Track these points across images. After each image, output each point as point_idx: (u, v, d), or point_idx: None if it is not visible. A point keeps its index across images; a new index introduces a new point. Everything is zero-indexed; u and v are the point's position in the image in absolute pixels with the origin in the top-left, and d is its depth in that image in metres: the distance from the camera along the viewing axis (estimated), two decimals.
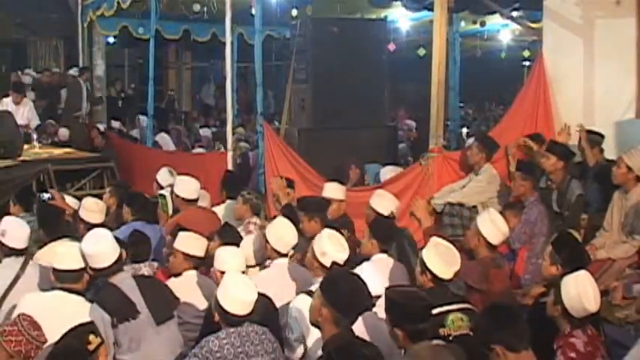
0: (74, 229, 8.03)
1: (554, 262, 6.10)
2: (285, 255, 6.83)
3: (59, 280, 5.93)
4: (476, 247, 6.85)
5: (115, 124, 18.90)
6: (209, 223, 7.95)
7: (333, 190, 8.72)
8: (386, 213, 7.84)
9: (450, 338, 5.51)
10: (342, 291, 4.97)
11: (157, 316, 5.98)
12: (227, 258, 6.37)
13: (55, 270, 5.96)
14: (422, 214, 7.61)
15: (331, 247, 6.21)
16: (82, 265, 5.92)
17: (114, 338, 5.81)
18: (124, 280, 6.06)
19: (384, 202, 8.04)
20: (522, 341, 4.73)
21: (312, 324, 5.16)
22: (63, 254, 5.96)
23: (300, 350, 5.85)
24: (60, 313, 5.45)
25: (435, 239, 6.14)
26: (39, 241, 7.67)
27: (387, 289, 5.27)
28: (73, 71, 17.59)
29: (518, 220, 8.23)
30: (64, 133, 15.07)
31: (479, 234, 6.80)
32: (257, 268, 7.06)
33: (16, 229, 6.91)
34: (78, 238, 7.77)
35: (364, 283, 5.15)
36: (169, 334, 6.07)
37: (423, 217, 7.56)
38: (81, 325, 4.86)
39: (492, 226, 6.82)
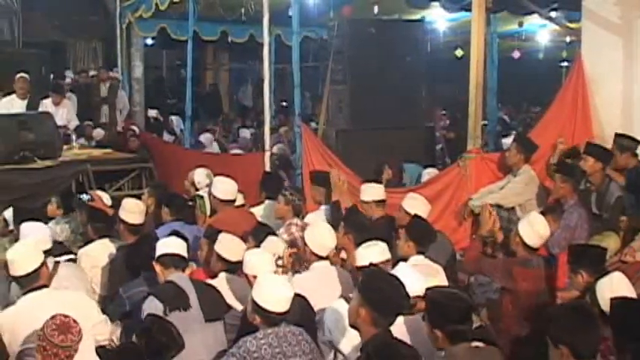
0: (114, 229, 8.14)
1: (576, 272, 6.20)
2: (324, 258, 6.84)
3: (21, 286, 6.03)
4: (515, 247, 6.88)
5: (152, 112, 19.03)
6: (245, 224, 7.98)
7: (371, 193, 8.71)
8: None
9: None
10: (380, 291, 4.97)
11: (206, 314, 6.10)
12: (255, 261, 6.43)
13: (15, 277, 6.07)
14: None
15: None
16: (34, 267, 5.98)
17: None
18: (181, 277, 6.22)
19: (416, 205, 8.02)
20: (590, 350, 4.73)
21: (351, 326, 5.17)
22: (12, 262, 6.01)
23: (330, 355, 5.88)
24: (39, 312, 5.43)
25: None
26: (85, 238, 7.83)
27: (428, 289, 5.27)
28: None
29: (558, 225, 8.16)
30: (98, 132, 15.20)
31: (517, 234, 6.85)
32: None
33: (33, 234, 7.02)
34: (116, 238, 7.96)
35: (402, 284, 5.16)
36: (215, 334, 6.16)
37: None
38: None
39: (529, 228, 6.84)
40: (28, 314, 5.60)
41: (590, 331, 4.74)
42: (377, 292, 4.96)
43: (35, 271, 5.98)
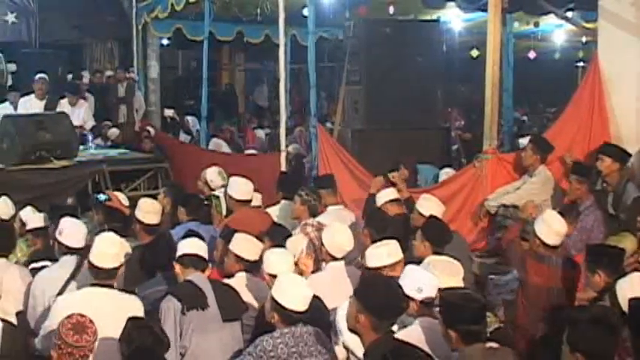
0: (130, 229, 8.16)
1: (594, 272, 6.17)
2: (340, 259, 6.84)
3: (95, 276, 6.09)
4: (537, 249, 6.87)
5: (169, 112, 19.07)
6: (261, 224, 7.98)
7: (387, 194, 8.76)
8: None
9: (488, 335, 5.50)
10: (377, 296, 4.97)
11: (224, 313, 6.11)
12: (276, 260, 6.41)
13: (92, 266, 6.12)
14: None
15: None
16: (117, 264, 6.11)
17: (181, 326, 5.97)
18: (199, 277, 6.23)
19: (430, 206, 8.02)
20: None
21: (350, 330, 5.18)
22: (100, 253, 6.09)
23: (342, 354, 5.88)
24: (94, 308, 5.54)
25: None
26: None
27: (442, 290, 5.27)
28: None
29: (574, 227, 8.14)
30: (113, 132, 15.22)
31: (535, 235, 6.85)
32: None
33: (73, 228, 7.03)
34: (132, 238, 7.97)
35: (399, 286, 5.18)
36: (232, 334, 6.19)
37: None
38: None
39: (544, 226, 6.83)
40: (83, 306, 5.54)
41: (609, 343, 4.71)
42: (374, 297, 4.96)
43: (116, 269, 6.09)
